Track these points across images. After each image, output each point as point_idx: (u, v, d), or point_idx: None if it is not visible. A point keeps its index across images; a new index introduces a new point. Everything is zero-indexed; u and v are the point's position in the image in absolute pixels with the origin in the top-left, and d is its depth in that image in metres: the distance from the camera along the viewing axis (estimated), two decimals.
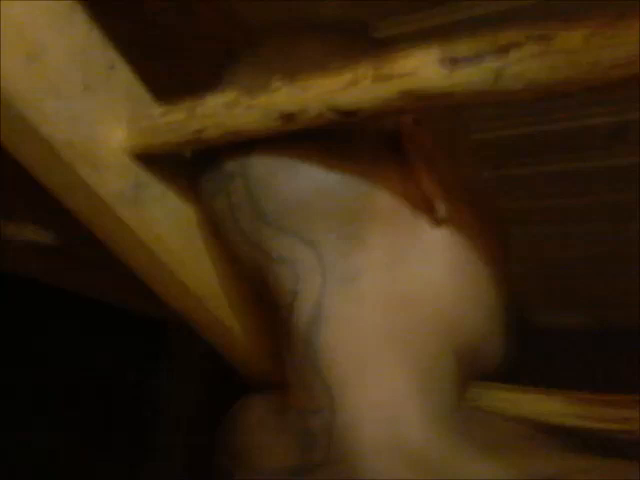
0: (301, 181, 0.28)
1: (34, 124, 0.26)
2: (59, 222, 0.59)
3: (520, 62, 0.20)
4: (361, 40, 0.32)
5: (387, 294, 0.28)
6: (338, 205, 0.28)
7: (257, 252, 0.30)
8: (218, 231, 0.32)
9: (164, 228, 0.32)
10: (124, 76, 0.30)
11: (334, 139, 0.28)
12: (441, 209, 0.28)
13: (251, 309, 0.37)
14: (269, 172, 0.28)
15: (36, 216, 0.60)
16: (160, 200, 0.32)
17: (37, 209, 0.57)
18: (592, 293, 1.08)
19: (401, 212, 0.28)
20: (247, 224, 0.29)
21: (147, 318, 1.04)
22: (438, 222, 0.28)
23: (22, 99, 0.26)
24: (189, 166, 0.33)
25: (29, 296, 0.91)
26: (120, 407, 1.11)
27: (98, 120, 0.29)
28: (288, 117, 0.25)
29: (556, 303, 1.18)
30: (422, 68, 0.21)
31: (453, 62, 0.21)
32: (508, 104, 0.48)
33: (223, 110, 0.27)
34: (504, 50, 0.20)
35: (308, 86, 0.24)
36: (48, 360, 0.98)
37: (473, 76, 0.20)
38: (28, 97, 0.26)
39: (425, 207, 0.28)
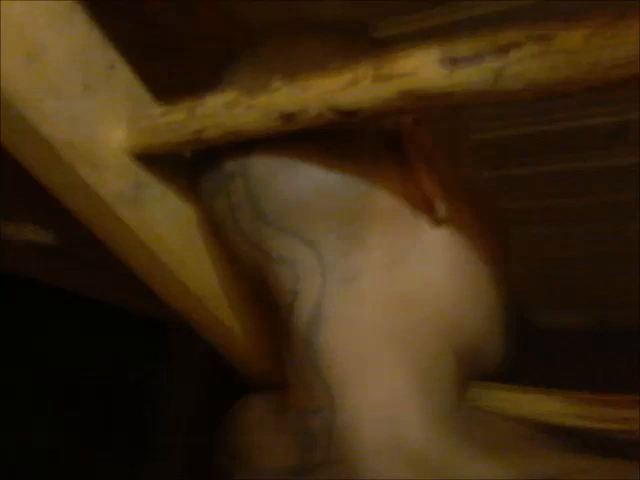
0: (301, 181, 0.28)
1: (34, 124, 0.26)
2: (59, 222, 0.59)
3: (520, 62, 0.20)
4: (361, 40, 0.32)
5: (387, 294, 0.28)
6: (338, 205, 0.28)
7: (257, 252, 0.30)
8: (218, 231, 0.32)
9: (164, 228, 0.32)
10: (124, 76, 0.30)
11: (334, 139, 0.28)
12: (441, 209, 0.28)
13: (251, 309, 0.37)
14: (269, 172, 0.28)
15: (36, 216, 0.60)
16: (160, 200, 0.32)
17: (37, 209, 0.57)
18: (592, 293, 1.08)
19: (401, 212, 0.29)
20: (247, 224, 0.29)
21: (147, 318, 1.04)
22: (438, 222, 0.28)
23: (22, 99, 0.26)
24: (189, 166, 0.33)
25: (29, 296, 0.91)
26: (120, 407, 1.11)
27: (98, 120, 0.29)
28: (288, 117, 0.25)
29: (556, 303, 1.18)
30: (422, 68, 0.21)
31: (453, 62, 0.21)
32: (508, 104, 0.48)
33: (223, 110, 0.27)
34: (504, 50, 0.20)
35: (308, 86, 0.24)
36: (48, 360, 0.98)
37: (473, 76, 0.20)
38: (28, 97, 0.26)
39: (425, 207, 0.28)
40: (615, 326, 1.13)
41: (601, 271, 0.94)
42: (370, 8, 0.39)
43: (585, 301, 1.14)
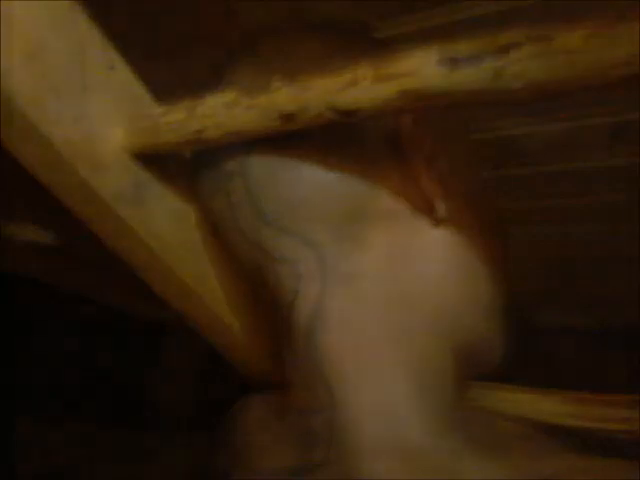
0: (301, 181, 0.28)
1: (34, 124, 0.26)
2: (59, 222, 0.59)
3: (520, 62, 0.20)
4: (361, 40, 0.32)
5: (387, 293, 0.28)
6: (338, 205, 0.28)
7: (257, 251, 0.30)
8: (217, 230, 0.32)
9: (164, 227, 0.32)
10: (124, 76, 0.30)
11: (334, 139, 0.28)
12: (441, 209, 0.28)
13: (251, 308, 0.37)
14: (269, 172, 0.28)
15: (36, 216, 0.60)
16: (160, 200, 0.32)
17: (37, 209, 0.57)
18: (592, 293, 1.08)
19: (401, 212, 0.29)
20: (247, 224, 0.30)
21: (147, 318, 1.04)
22: (438, 222, 0.28)
23: (22, 99, 0.26)
24: (189, 166, 0.33)
25: (29, 296, 0.91)
26: (120, 406, 1.11)
27: (98, 120, 0.29)
28: (288, 117, 0.25)
29: (556, 303, 1.18)
30: (422, 68, 0.21)
31: (453, 62, 0.21)
32: (508, 104, 0.48)
33: (223, 110, 0.27)
34: (504, 50, 0.20)
35: (308, 86, 0.24)
36: (48, 360, 0.98)
37: (473, 76, 0.20)
38: (28, 97, 0.26)
39: (425, 207, 0.28)
40: (615, 326, 1.13)
41: (601, 271, 0.94)
42: (370, 8, 0.39)
43: (585, 301, 1.14)
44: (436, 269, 0.29)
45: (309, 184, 0.28)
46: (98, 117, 0.29)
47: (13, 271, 0.74)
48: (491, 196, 0.34)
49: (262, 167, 0.28)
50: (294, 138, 0.27)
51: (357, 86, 0.23)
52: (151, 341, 1.20)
